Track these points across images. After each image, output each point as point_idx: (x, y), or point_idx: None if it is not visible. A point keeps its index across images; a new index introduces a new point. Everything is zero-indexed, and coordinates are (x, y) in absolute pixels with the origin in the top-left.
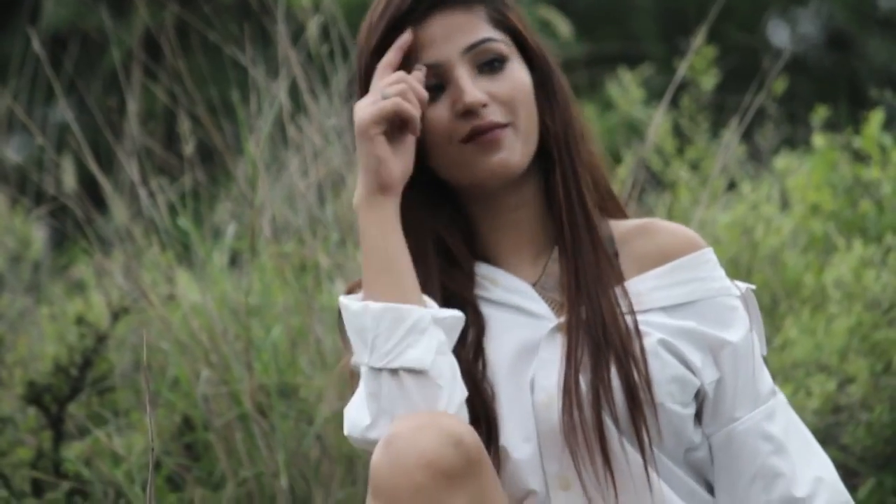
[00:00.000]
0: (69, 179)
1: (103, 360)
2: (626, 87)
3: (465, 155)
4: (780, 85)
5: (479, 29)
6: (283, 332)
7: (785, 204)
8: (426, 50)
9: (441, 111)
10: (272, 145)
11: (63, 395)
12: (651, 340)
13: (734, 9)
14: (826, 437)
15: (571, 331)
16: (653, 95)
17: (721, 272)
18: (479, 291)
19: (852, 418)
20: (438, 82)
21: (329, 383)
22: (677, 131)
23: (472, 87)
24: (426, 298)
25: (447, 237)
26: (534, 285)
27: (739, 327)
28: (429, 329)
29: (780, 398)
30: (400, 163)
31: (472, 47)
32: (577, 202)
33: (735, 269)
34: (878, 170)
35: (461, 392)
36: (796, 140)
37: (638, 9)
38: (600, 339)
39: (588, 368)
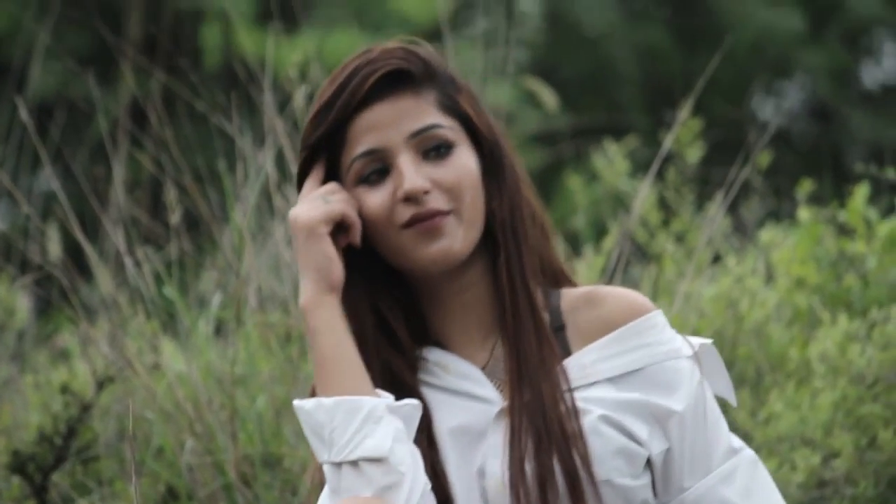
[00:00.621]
0: (54, 248)
1: (87, 430)
2: (611, 159)
3: (405, 240)
4: (765, 158)
5: (426, 115)
6: (268, 401)
7: (770, 277)
8: (371, 134)
9: (383, 196)
10: (258, 214)
11: (47, 464)
12: (592, 418)
13: (719, 81)
14: None
15: (514, 415)
16: (638, 167)
17: (669, 334)
18: (429, 378)
19: (837, 493)
20: (382, 166)
21: (313, 454)
22: (662, 203)
23: (414, 174)
24: (380, 391)
25: (392, 321)
26: (483, 368)
27: (685, 393)
28: (384, 417)
29: (744, 456)
30: (341, 263)
31: (416, 133)
32: (520, 288)
33: (720, 342)
34: (864, 244)
35: (424, 480)
36: (781, 213)
37: (623, 80)
38: (541, 423)
39: (531, 454)
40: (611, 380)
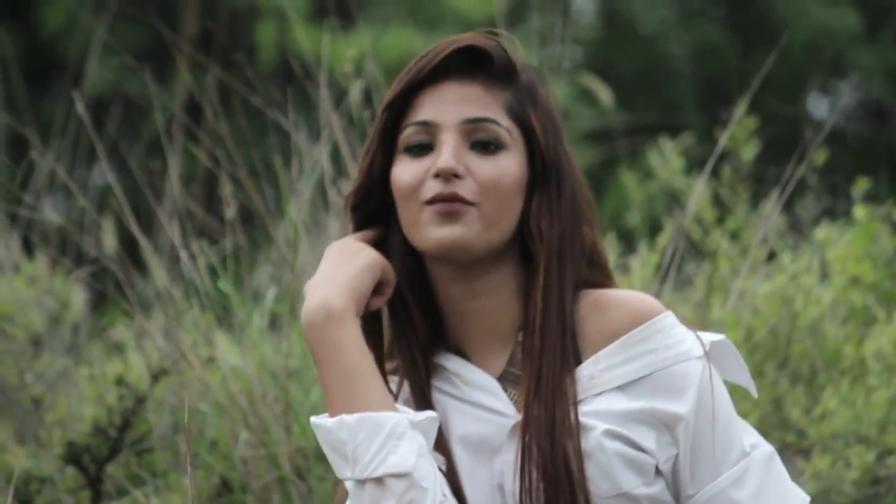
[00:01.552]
0: (110, 241)
1: (142, 422)
2: (666, 157)
3: (423, 216)
4: (820, 156)
5: (488, 108)
6: (322, 395)
7: (825, 275)
8: (431, 107)
9: (418, 169)
10: (313, 209)
11: (102, 455)
12: (596, 433)
13: (774, 79)
14: None
15: (525, 433)
16: (692, 165)
17: (677, 336)
18: (447, 387)
19: (891, 490)
20: (429, 141)
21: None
22: (717, 201)
23: (452, 156)
24: (399, 405)
25: (415, 323)
26: (499, 377)
27: (692, 396)
28: (407, 433)
29: (756, 456)
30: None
31: (472, 121)
32: (555, 311)
33: (774, 340)
34: None
35: (443, 494)
36: (836, 211)
37: (677, 77)
38: (551, 439)
39: (540, 472)
40: (620, 388)
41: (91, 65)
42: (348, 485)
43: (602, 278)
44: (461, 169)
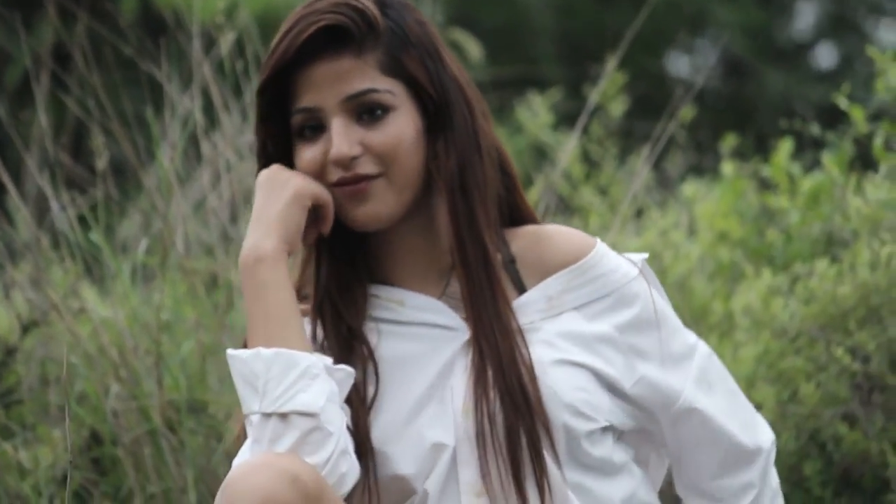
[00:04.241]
0: None
1: (11, 373)
2: (535, 112)
3: (336, 197)
4: (688, 113)
5: (364, 78)
6: (194, 348)
7: (693, 231)
8: (309, 92)
9: (315, 153)
10: (185, 160)
11: None
12: (556, 356)
13: (637, 36)
14: None
15: (474, 346)
16: (560, 120)
17: (616, 259)
18: (385, 314)
19: None
20: (318, 123)
21: (238, 400)
22: (586, 157)
23: (343, 140)
24: (319, 354)
25: (341, 260)
26: (439, 299)
27: (643, 308)
28: (321, 376)
29: (702, 352)
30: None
31: (351, 97)
32: (469, 239)
33: None
34: (787, 199)
35: (348, 441)
36: (703, 168)
37: (538, 32)
38: (497, 358)
39: (491, 381)
40: (577, 308)
41: None
42: (252, 420)
43: (517, 198)
44: (356, 150)
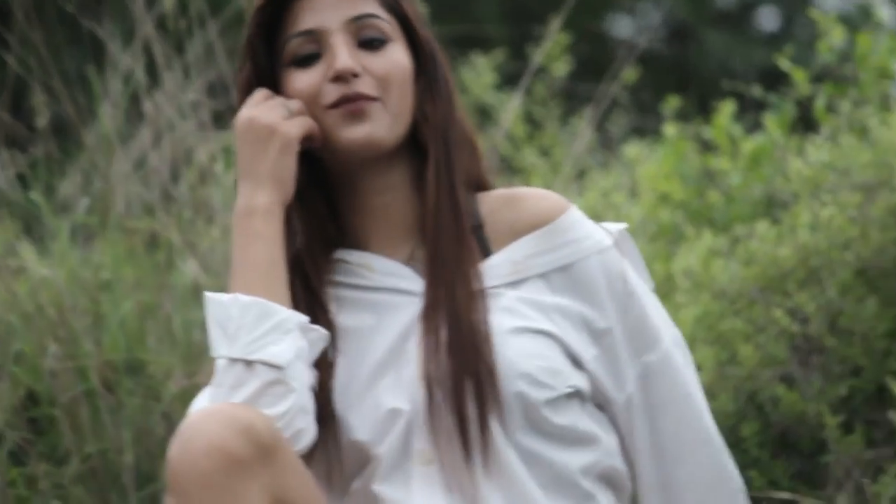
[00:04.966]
0: None
1: None
2: (478, 72)
3: (330, 121)
4: (631, 74)
5: (366, 4)
6: (133, 308)
7: (634, 193)
8: (310, 14)
9: (313, 76)
10: (127, 118)
11: None
12: (516, 323)
13: None
14: None
15: (430, 312)
16: (502, 81)
17: (589, 226)
18: (351, 279)
19: None
20: (317, 50)
21: (177, 361)
22: (528, 118)
23: (347, 55)
24: (297, 312)
25: (308, 224)
26: (405, 264)
27: (611, 284)
28: (294, 332)
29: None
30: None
31: (355, 19)
32: (446, 190)
33: None
34: (728, 160)
35: (308, 402)
36: (646, 129)
37: None
38: (454, 321)
39: (444, 350)
40: (542, 276)
41: None
42: (218, 364)
43: (479, 169)
44: (359, 68)
